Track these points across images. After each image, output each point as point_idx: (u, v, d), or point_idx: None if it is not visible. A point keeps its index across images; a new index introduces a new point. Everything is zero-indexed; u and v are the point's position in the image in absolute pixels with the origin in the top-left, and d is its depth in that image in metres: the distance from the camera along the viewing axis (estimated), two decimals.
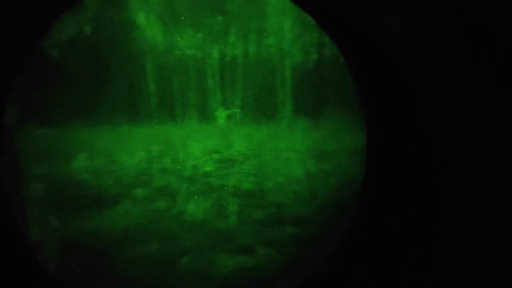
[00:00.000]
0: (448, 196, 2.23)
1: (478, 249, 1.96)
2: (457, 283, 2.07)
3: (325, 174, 3.02)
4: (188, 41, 3.01)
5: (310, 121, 3.03)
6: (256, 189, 2.99)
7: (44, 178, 2.79)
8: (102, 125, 3.01)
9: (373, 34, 2.52)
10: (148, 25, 2.98)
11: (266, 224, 2.83)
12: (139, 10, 2.96)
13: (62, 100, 2.97)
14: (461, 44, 1.91)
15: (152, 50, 3.01)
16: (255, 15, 2.97)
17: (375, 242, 2.71)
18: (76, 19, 2.94)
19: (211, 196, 3.00)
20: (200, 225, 2.87)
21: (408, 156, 2.58)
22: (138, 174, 2.94)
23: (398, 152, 2.69)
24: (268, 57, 3.01)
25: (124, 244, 2.74)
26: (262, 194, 2.98)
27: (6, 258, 2.25)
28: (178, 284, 2.50)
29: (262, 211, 2.89)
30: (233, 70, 3.05)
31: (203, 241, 2.78)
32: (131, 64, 3.04)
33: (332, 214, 2.91)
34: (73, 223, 2.71)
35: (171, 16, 3.00)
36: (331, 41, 2.98)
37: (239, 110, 3.03)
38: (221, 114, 3.07)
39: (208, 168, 3.07)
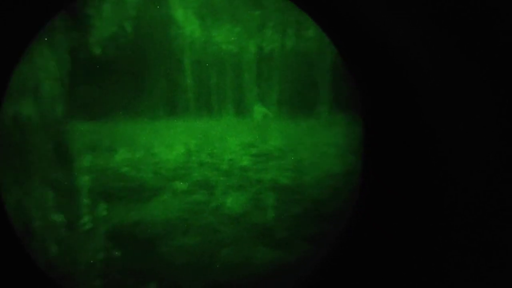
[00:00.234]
0: (446, 195, 2.21)
1: (477, 248, 1.94)
2: (456, 283, 2.05)
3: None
4: (225, 36, 3.03)
5: (349, 116, 2.96)
6: (293, 184, 2.99)
7: (90, 170, 2.92)
8: (142, 120, 3.10)
9: (372, 34, 2.50)
10: (186, 21, 3.03)
11: (303, 219, 2.82)
12: (178, 7, 3.00)
13: (105, 96, 3.08)
14: (459, 43, 1.88)
15: (190, 46, 3.06)
16: (293, 8, 2.92)
17: (373, 241, 2.70)
18: (118, 16, 3.03)
19: (248, 190, 3.03)
20: (238, 219, 2.91)
21: (408, 156, 2.55)
22: (177, 168, 3.02)
23: (397, 151, 2.64)
24: (306, 50, 2.96)
25: (165, 235, 2.85)
26: (300, 189, 2.97)
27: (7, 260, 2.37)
28: (220, 275, 2.56)
29: (299, 206, 2.89)
30: (270, 64, 3.04)
31: (242, 234, 2.82)
32: (169, 60, 3.11)
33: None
34: (117, 214, 2.83)
35: (209, 12, 3.02)
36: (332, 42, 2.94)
37: (276, 105, 3.02)
38: (258, 109, 3.08)
39: (245, 163, 3.10)
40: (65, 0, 2.59)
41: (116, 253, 2.71)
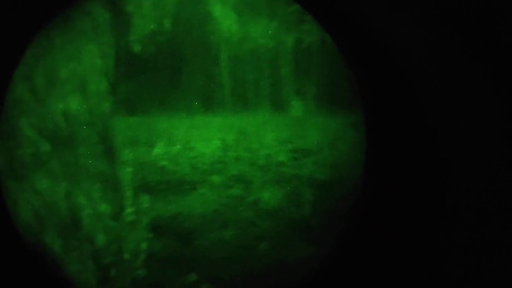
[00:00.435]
0: (448, 195, 2.18)
1: (478, 248, 1.93)
2: (456, 283, 2.02)
3: None
4: (263, 30, 3.04)
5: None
6: (331, 180, 2.97)
7: (130, 164, 3.03)
8: (179, 115, 3.17)
9: (375, 34, 2.48)
10: (223, 17, 3.06)
11: (341, 216, 2.80)
12: (216, 3, 3.03)
13: (143, 92, 3.18)
14: (462, 43, 1.87)
15: (227, 41, 3.09)
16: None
17: (374, 240, 2.68)
18: (156, 14, 3.10)
19: (285, 185, 3.04)
20: (275, 213, 2.94)
21: (410, 155, 2.53)
22: (213, 162, 3.08)
23: (399, 151, 2.63)
24: None
25: (203, 228, 2.92)
26: (338, 185, 2.94)
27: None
28: (259, 269, 2.60)
29: (337, 203, 2.86)
30: (308, 59, 3.01)
31: (279, 229, 2.84)
32: (206, 55, 3.15)
33: None
34: (156, 207, 2.93)
35: (246, 7, 3.03)
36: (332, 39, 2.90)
37: (314, 100, 3.00)
38: (295, 104, 3.07)
39: (282, 158, 3.11)
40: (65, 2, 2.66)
41: (157, 244, 2.82)
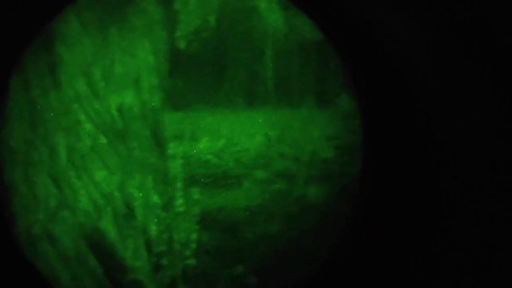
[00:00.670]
0: (445, 196, 2.18)
1: (476, 248, 1.93)
2: (454, 283, 2.03)
3: None
4: (309, 24, 2.99)
5: None
6: None
7: (176, 157, 3.15)
8: (223, 110, 3.23)
9: (371, 35, 2.49)
10: (269, 11, 3.04)
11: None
12: None
13: (189, 87, 3.26)
14: (458, 44, 1.88)
15: (272, 36, 3.08)
16: None
17: (371, 240, 2.68)
18: (202, 10, 3.16)
19: (331, 181, 3.03)
20: (320, 209, 2.94)
21: (407, 156, 2.54)
22: (257, 157, 3.12)
23: (396, 152, 2.63)
24: None
25: (248, 222, 3.00)
26: None
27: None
28: (304, 263, 2.64)
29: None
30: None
31: (324, 225, 2.84)
32: (250, 51, 3.17)
33: None
34: (202, 199, 3.05)
35: (292, 1, 3.00)
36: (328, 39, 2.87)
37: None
38: (342, 99, 3.01)
39: (327, 154, 3.08)
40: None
41: (205, 235, 2.95)
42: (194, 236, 3.01)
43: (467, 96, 1.97)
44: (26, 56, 2.84)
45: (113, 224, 2.93)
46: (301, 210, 3.03)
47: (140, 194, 2.98)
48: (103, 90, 2.96)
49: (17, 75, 2.85)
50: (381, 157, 2.81)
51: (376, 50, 2.56)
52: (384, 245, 2.61)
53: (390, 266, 2.50)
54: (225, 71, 3.25)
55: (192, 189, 3.07)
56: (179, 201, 3.04)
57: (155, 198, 3.01)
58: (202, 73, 3.23)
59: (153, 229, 2.97)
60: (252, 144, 3.17)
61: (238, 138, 3.21)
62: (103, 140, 2.99)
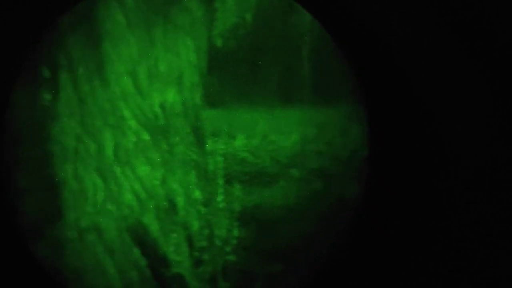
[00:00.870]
0: (446, 196, 2.22)
1: (476, 248, 1.97)
2: (454, 283, 2.06)
3: None
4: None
5: None
6: None
7: (213, 154, 3.23)
8: (259, 108, 3.25)
9: (372, 33, 2.49)
10: (306, 8, 2.99)
11: None
12: None
13: (225, 85, 3.30)
14: (459, 42, 1.93)
15: (309, 33, 3.03)
16: None
17: (371, 240, 2.71)
18: (240, 8, 3.16)
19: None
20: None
21: (408, 156, 2.54)
22: (293, 155, 3.12)
23: (398, 151, 2.63)
24: None
25: (285, 220, 3.03)
26: None
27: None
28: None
29: None
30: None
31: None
32: (287, 48, 3.14)
33: None
34: (240, 196, 3.11)
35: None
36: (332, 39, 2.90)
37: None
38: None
39: (366, 153, 3.02)
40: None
41: (243, 232, 3.02)
42: (234, 232, 3.10)
43: (468, 96, 2.02)
44: (74, 54, 3.03)
45: (156, 218, 3.08)
46: (337, 211, 3.00)
47: (182, 190, 3.11)
48: (147, 88, 3.09)
49: (66, 72, 3.04)
50: (382, 157, 2.79)
51: (377, 49, 2.52)
52: (384, 245, 2.61)
53: (390, 266, 2.50)
54: (261, 69, 3.26)
55: (232, 185, 3.15)
56: (220, 198, 3.13)
57: (197, 194, 3.12)
58: (238, 70, 3.26)
59: (195, 225, 3.09)
60: (287, 142, 3.17)
61: (274, 136, 3.22)
62: (146, 136, 3.12)
